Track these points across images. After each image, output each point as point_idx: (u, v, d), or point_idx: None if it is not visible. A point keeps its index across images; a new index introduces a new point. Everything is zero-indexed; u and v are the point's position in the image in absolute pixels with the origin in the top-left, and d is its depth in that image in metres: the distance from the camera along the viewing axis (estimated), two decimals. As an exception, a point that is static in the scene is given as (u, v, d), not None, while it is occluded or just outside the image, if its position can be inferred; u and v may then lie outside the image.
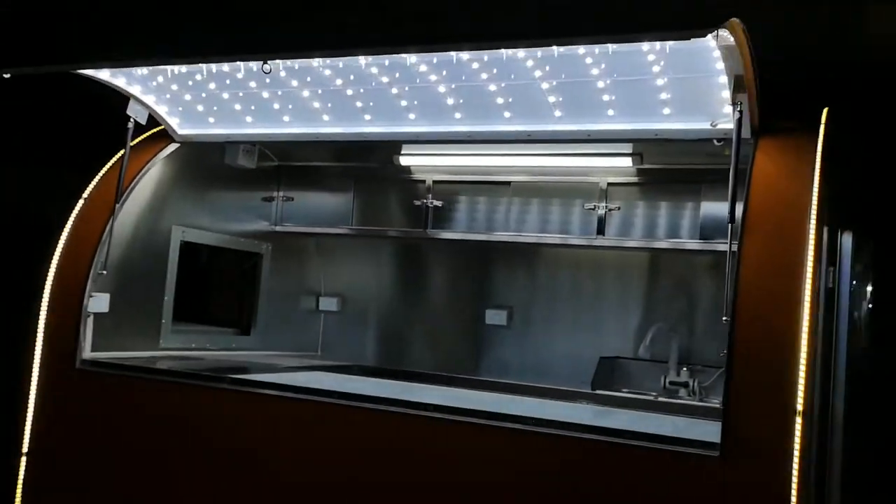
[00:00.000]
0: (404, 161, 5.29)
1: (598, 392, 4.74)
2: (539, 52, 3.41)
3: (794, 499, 2.88)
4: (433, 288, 5.76)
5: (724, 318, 3.10)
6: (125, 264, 4.54)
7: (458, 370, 5.39)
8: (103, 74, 4.11)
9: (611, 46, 3.21)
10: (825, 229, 4.53)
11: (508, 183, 5.24)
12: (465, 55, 3.45)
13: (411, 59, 3.54)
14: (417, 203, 5.41)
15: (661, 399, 4.70)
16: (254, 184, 5.56)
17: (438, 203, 5.38)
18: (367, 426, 3.55)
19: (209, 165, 5.07)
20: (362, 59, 3.63)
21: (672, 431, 3.15)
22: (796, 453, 2.90)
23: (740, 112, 3.25)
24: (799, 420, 2.91)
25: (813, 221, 3.13)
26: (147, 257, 4.71)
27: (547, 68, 3.54)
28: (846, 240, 4.59)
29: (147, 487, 3.98)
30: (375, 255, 5.88)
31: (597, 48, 3.31)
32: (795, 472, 2.89)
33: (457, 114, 3.95)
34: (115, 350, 4.42)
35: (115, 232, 4.39)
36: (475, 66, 3.55)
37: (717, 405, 4.40)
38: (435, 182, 5.40)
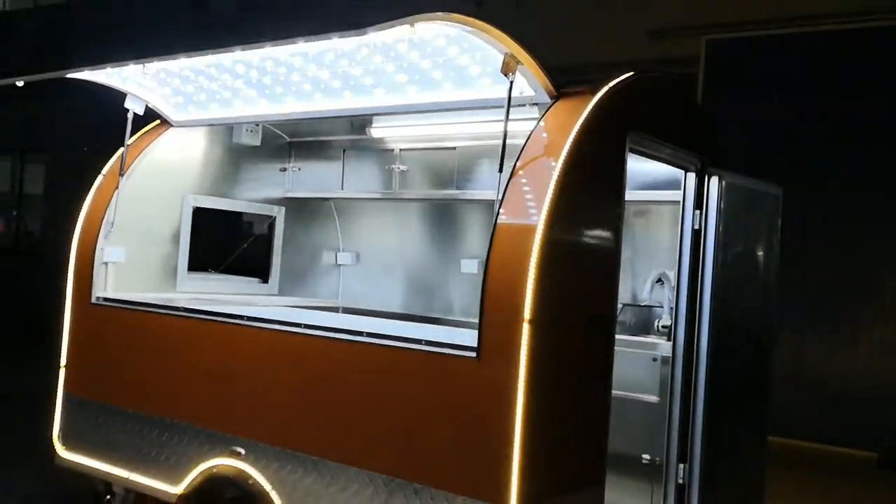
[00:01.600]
0: (375, 133, 6.26)
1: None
2: (379, 42, 4.29)
3: (521, 387, 3.63)
4: (423, 241, 6.68)
5: (487, 249, 3.85)
6: (145, 226, 5.84)
7: (445, 312, 6.34)
8: (99, 77, 5.35)
9: (403, 37, 4.04)
10: (693, 175, 5.07)
11: (454, 148, 6.08)
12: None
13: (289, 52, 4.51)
14: (388, 168, 6.36)
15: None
16: (269, 157, 6.73)
17: (404, 168, 6.30)
18: (259, 341, 4.63)
19: (225, 144, 6.29)
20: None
21: (448, 338, 3.95)
22: (524, 352, 3.64)
23: (511, 81, 3.97)
24: (527, 326, 3.64)
25: (559, 166, 3.79)
26: (165, 221, 5.99)
27: (391, 53, 4.41)
28: (714, 184, 5.12)
29: (142, 391, 5.24)
30: (374, 215, 6.89)
31: (415, 38, 4.14)
32: (523, 367, 3.64)
33: (346, 93, 4.88)
34: (137, 291, 5.73)
35: (135, 200, 5.68)
36: (331, 56, 4.48)
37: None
38: (401, 150, 6.33)
